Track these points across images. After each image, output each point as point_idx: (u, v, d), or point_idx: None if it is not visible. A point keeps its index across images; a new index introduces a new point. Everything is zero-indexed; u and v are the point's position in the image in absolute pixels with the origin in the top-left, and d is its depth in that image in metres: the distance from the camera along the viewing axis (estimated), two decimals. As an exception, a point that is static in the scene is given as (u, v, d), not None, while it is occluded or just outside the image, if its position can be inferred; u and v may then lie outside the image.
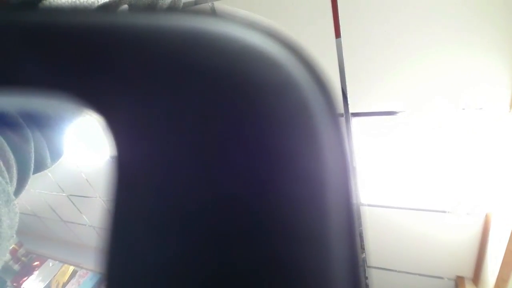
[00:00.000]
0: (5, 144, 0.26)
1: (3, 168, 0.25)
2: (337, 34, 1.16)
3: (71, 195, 2.84)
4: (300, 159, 0.10)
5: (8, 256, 3.08)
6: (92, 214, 2.96)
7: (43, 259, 3.19)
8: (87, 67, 0.11)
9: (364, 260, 1.89)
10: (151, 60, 0.11)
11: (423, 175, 1.42)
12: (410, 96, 1.20)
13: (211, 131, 0.10)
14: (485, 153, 1.23)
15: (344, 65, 1.21)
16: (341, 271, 0.10)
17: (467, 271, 1.70)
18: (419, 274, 1.82)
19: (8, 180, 0.25)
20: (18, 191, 0.28)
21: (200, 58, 0.11)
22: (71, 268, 3.07)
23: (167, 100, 0.11)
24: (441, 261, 1.70)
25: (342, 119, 1.34)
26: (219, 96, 0.10)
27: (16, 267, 3.14)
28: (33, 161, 0.29)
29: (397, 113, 1.25)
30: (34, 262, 3.17)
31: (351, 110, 1.31)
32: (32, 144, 0.29)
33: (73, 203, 2.94)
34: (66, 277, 2.99)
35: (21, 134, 0.28)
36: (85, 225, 3.11)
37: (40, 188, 2.82)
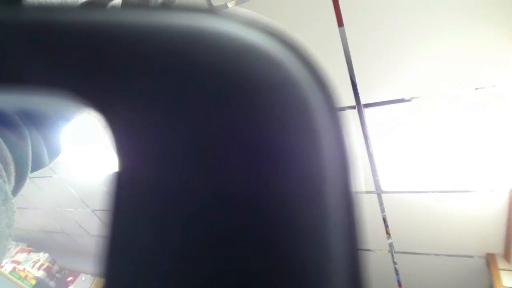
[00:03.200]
0: (2, 142, 0.26)
1: (0, 167, 0.25)
2: (340, 22, 1.14)
3: (95, 210, 2.91)
4: (300, 156, 0.10)
5: (43, 273, 3.19)
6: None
7: (76, 274, 3.27)
8: (86, 65, 0.11)
9: (390, 245, 1.88)
10: (150, 58, 0.11)
11: (443, 158, 1.40)
12: (421, 82, 1.18)
13: (211, 130, 0.10)
14: (502, 129, 1.21)
15: (351, 55, 1.20)
16: (341, 268, 0.10)
17: (497, 248, 1.67)
18: (448, 255, 1.80)
19: (5, 179, 0.25)
20: (16, 189, 0.29)
21: (199, 56, 0.11)
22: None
23: (167, 98, 0.11)
24: (470, 240, 1.67)
25: (349, 112, 1.33)
26: (218, 95, 0.10)
27: (52, 284, 3.24)
28: (30, 159, 0.29)
29: (410, 100, 1.24)
30: (68, 277, 3.25)
31: (362, 101, 1.30)
32: (29, 142, 0.29)
33: (98, 217, 3.01)
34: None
35: (18, 132, 0.28)
36: (112, 237, 3.17)
37: (65, 206, 2.90)
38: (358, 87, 1.27)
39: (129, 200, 0.11)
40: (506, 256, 1.66)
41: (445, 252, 1.79)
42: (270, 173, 0.10)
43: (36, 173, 0.32)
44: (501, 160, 1.31)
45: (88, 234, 3.25)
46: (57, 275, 3.31)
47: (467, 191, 1.47)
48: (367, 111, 1.34)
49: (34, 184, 2.79)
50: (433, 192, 1.55)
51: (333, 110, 0.11)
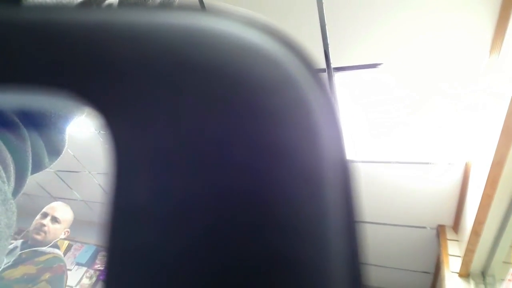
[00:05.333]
0: (1, 143, 0.26)
1: (0, 167, 0.25)
2: None
3: (58, 170, 2.82)
4: (299, 155, 0.10)
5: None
6: (82, 189, 2.96)
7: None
8: (86, 64, 0.11)
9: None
10: (150, 58, 0.11)
11: (405, 129, 1.45)
12: (390, 50, 1.20)
13: (210, 128, 0.10)
14: (464, 104, 1.26)
15: (326, 23, 1.19)
16: (341, 265, 0.10)
17: (447, 220, 1.79)
18: (403, 225, 1.91)
19: (5, 180, 0.25)
20: (16, 191, 0.28)
21: (198, 55, 0.11)
22: (66, 242, 3.10)
23: (165, 97, 0.11)
24: (424, 212, 1.78)
25: (327, 82, 1.34)
26: (216, 93, 0.11)
27: (11, 246, 3.16)
28: (30, 160, 0.29)
29: (378, 65, 1.25)
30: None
31: (333, 64, 1.31)
32: (29, 144, 0.29)
33: (62, 179, 2.92)
34: (62, 251, 3.03)
35: (18, 134, 0.28)
36: (76, 200, 3.11)
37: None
38: (330, 53, 1.27)
39: (128, 199, 0.10)
40: (455, 228, 1.79)
41: (401, 222, 1.90)
42: (271, 171, 0.10)
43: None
44: (459, 134, 1.37)
45: (51, 196, 3.17)
46: (17, 237, 3.23)
47: (425, 163, 1.54)
48: (337, 75, 1.34)
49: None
50: (393, 162, 1.61)
51: (332, 109, 0.12)
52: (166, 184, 0.10)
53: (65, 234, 1.76)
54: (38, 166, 0.32)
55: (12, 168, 0.27)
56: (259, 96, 0.11)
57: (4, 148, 0.26)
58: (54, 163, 0.34)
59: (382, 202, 1.82)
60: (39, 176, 2.69)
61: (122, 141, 0.11)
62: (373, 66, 1.26)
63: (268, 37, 0.12)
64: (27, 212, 3.47)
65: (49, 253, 1.63)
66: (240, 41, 0.11)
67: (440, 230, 1.82)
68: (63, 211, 1.76)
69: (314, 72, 0.12)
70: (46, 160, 0.32)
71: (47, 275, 1.50)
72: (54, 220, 1.69)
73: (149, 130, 0.11)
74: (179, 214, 0.10)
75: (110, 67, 0.11)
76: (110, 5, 0.29)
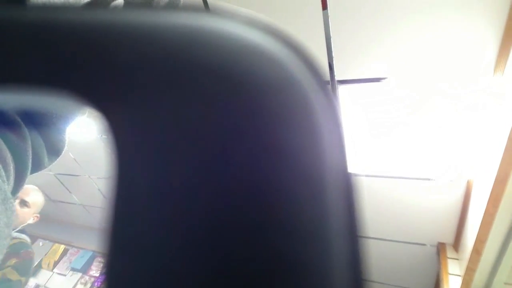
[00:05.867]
0: (2, 142, 0.26)
1: (0, 166, 0.25)
2: (324, 6, 1.16)
3: (58, 173, 2.81)
4: (301, 156, 0.10)
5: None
6: (81, 193, 2.94)
7: (33, 239, 3.17)
8: (87, 64, 0.11)
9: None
10: (152, 58, 0.11)
11: (408, 143, 1.45)
12: (395, 64, 1.21)
13: (212, 129, 0.10)
14: (468, 121, 1.26)
15: (331, 35, 1.21)
16: (342, 266, 0.10)
17: (448, 237, 1.77)
18: (403, 242, 1.89)
19: (4, 179, 0.25)
20: (15, 190, 0.28)
21: (200, 56, 0.11)
22: (62, 246, 3.07)
23: (168, 98, 0.11)
24: (425, 228, 1.77)
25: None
26: (219, 94, 0.11)
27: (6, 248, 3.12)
28: (30, 159, 0.29)
29: (382, 79, 1.26)
30: (24, 242, 3.16)
31: (337, 77, 1.32)
32: (30, 143, 0.29)
33: (61, 182, 2.91)
34: (57, 256, 3.00)
35: (19, 133, 0.28)
36: (75, 204, 3.09)
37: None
38: (335, 65, 1.28)
39: (129, 199, 0.10)
40: (455, 246, 1.77)
41: (401, 239, 1.88)
42: (273, 171, 0.10)
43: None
44: (463, 152, 1.37)
45: (50, 199, 3.15)
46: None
47: (428, 179, 1.54)
48: (341, 88, 1.35)
49: None
50: (395, 177, 1.61)
51: (334, 110, 0.12)
52: (168, 184, 0.10)
53: (34, 219, 1.66)
54: (37, 166, 0.32)
55: (12, 167, 0.27)
56: (261, 97, 0.11)
57: (4, 147, 0.26)
58: (53, 164, 0.34)
59: (382, 217, 1.81)
60: (39, 178, 2.67)
61: (123, 141, 0.11)
62: (377, 80, 1.27)
63: (271, 38, 0.12)
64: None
65: (15, 237, 1.56)
66: (242, 41, 0.11)
67: (440, 248, 1.80)
68: (33, 194, 1.65)
69: (317, 73, 0.12)
70: (46, 159, 0.32)
71: (13, 261, 1.47)
72: (23, 203, 1.59)
73: (150, 130, 0.11)
74: (181, 214, 0.10)
75: (112, 67, 0.11)
76: (115, 6, 0.30)
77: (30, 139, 0.29)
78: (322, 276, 0.10)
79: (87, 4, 0.28)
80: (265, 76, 0.11)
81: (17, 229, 1.59)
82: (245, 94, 0.11)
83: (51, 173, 2.77)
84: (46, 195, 3.13)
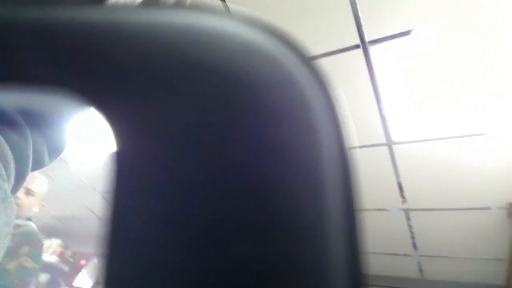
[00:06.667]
0: (3, 141, 0.26)
1: (0, 165, 0.25)
2: None
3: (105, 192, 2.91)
4: (299, 152, 0.10)
5: (56, 258, 3.25)
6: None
7: (88, 257, 3.35)
8: (88, 63, 0.11)
9: (404, 203, 1.82)
10: (150, 56, 0.11)
11: (456, 99, 1.32)
12: (425, 13, 1.10)
13: (211, 127, 0.10)
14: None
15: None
16: (341, 264, 0.10)
17: (517, 196, 1.60)
18: (465, 209, 1.74)
19: (5, 178, 0.25)
20: (15, 188, 0.28)
21: (200, 54, 0.11)
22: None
23: (167, 96, 0.11)
24: (488, 190, 1.61)
25: (354, 53, 1.26)
26: (218, 92, 0.11)
27: (65, 268, 3.32)
28: (31, 158, 0.29)
29: (411, 31, 1.15)
30: (81, 261, 3.35)
31: (367, 38, 1.23)
32: (30, 142, 0.29)
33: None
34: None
35: (19, 132, 0.28)
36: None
37: (75, 191, 2.91)
38: (363, 24, 1.19)
39: (130, 197, 0.10)
40: (527, 205, 1.60)
41: (462, 205, 1.73)
42: (271, 169, 0.10)
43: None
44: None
45: (100, 218, 3.28)
46: (70, 259, 3.40)
47: (482, 134, 1.39)
48: (373, 49, 1.26)
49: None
50: (444, 138, 1.47)
51: (333, 107, 0.12)
52: (167, 183, 0.10)
53: (39, 208, 1.64)
54: (38, 164, 0.32)
55: (12, 166, 0.27)
56: (258, 95, 0.11)
57: (5, 146, 0.26)
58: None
59: (436, 186, 1.67)
60: (88, 199, 2.78)
61: (124, 138, 0.11)
62: (406, 33, 1.17)
63: (267, 36, 0.12)
64: (79, 235, 3.62)
65: (23, 225, 1.54)
66: (239, 40, 0.11)
67: (510, 209, 1.63)
68: (38, 182, 1.63)
69: (314, 69, 0.12)
70: (47, 158, 0.33)
71: (26, 249, 1.46)
72: (28, 192, 1.56)
73: (150, 128, 0.11)
74: (181, 214, 0.10)
75: (112, 66, 0.11)
76: (113, 3, 0.30)
77: (31, 138, 0.29)
78: (321, 274, 0.10)
79: (88, 3, 0.28)
80: (261, 74, 0.11)
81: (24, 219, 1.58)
82: (241, 92, 0.11)
83: (97, 193, 2.87)
84: (96, 215, 3.26)
